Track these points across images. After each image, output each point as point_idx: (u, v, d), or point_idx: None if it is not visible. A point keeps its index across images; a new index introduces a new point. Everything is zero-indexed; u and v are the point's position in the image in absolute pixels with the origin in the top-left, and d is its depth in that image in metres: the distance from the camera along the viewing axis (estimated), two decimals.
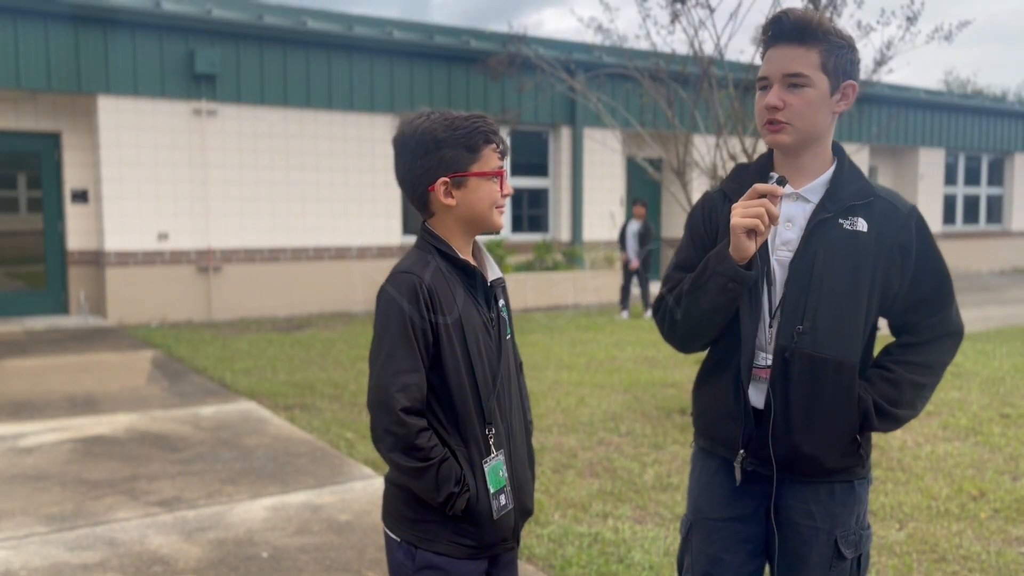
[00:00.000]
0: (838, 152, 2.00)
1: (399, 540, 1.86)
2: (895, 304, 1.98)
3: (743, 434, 1.98)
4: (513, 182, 14.26)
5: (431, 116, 1.84)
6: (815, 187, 1.96)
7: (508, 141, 1.97)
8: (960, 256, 20.21)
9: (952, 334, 2.01)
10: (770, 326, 1.95)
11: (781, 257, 1.96)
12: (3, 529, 3.98)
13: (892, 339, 2.06)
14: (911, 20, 6.70)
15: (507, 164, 1.93)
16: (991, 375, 7.59)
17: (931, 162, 19.76)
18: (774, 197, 1.85)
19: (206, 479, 4.73)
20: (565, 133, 14.44)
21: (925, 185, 19.71)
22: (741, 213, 1.85)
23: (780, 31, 1.90)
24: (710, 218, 2.07)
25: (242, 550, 3.77)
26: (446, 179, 1.82)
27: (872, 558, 3.69)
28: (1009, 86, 53.67)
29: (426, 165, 1.82)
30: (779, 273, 1.96)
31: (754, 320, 1.96)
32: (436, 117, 1.84)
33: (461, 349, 1.80)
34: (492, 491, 1.83)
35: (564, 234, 14.61)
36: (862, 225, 1.92)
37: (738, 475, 2.01)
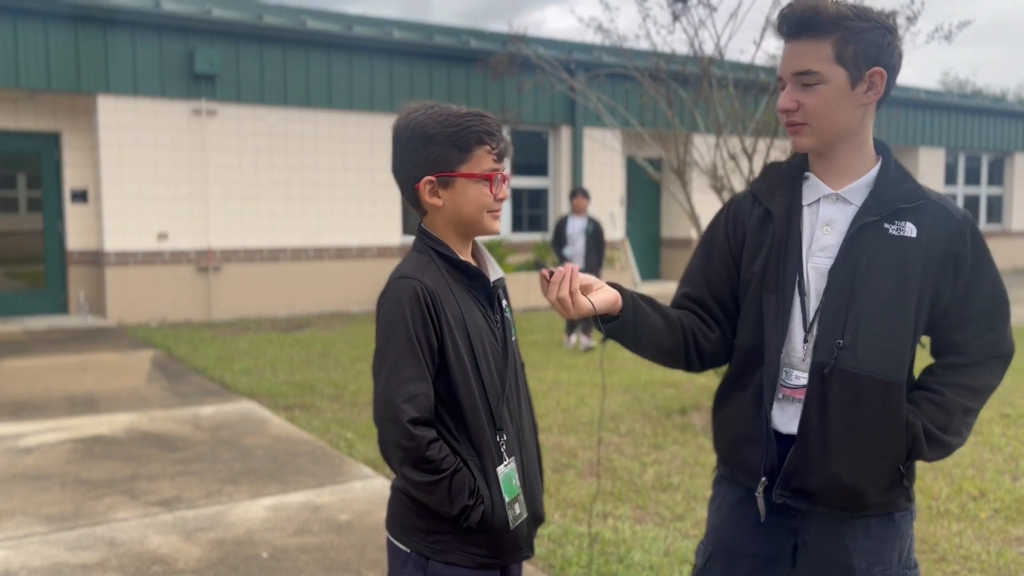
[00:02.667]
0: (882, 150, 1.82)
1: (409, 551, 1.77)
2: (944, 320, 1.78)
3: (765, 460, 1.79)
4: (513, 182, 14.27)
5: (429, 110, 1.75)
6: (857, 188, 1.78)
7: (508, 140, 1.86)
8: None
9: (1003, 356, 1.83)
10: (805, 341, 1.76)
11: (818, 264, 1.78)
12: (3, 529, 3.98)
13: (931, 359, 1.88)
14: (911, 20, 6.70)
15: (508, 165, 1.83)
16: None
17: (931, 162, 19.75)
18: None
19: (206, 479, 4.73)
20: (565, 133, 14.44)
21: (925, 185, 19.68)
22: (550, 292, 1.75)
23: (788, 26, 1.73)
24: (735, 222, 1.91)
25: (242, 550, 3.77)
26: (431, 178, 1.73)
27: None
28: (1009, 86, 53.71)
29: (414, 161, 1.74)
30: (816, 281, 1.77)
31: (781, 333, 1.78)
32: (433, 112, 1.74)
33: (467, 354, 1.72)
34: (507, 500, 1.75)
35: None
36: (911, 230, 1.73)
37: (761, 507, 1.81)
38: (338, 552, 3.76)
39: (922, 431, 1.75)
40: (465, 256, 1.81)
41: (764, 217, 1.86)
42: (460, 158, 1.72)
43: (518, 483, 1.79)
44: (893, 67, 1.73)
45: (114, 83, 10.77)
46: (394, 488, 1.83)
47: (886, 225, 1.74)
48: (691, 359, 1.91)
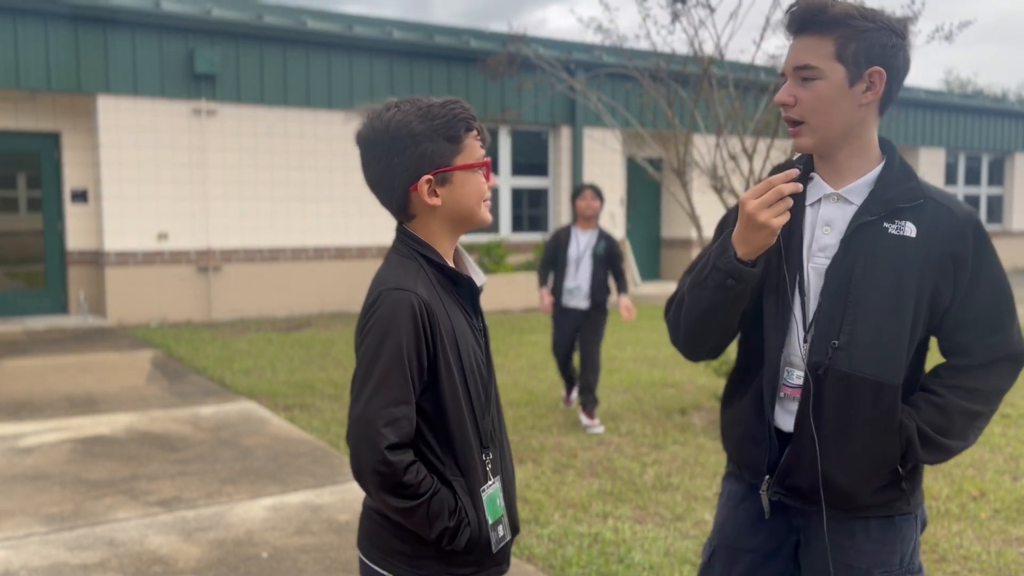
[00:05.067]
0: (887, 150, 1.81)
1: (387, 575, 1.68)
2: (945, 321, 1.76)
3: (768, 459, 1.81)
4: (513, 182, 14.28)
5: (401, 106, 1.63)
6: (858, 187, 1.77)
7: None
8: None
9: (1012, 358, 1.78)
10: (804, 341, 1.77)
11: (818, 264, 1.78)
12: (3, 529, 3.98)
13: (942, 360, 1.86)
14: (911, 20, 6.70)
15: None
16: None
17: (931, 162, 19.75)
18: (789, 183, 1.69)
19: (206, 479, 4.73)
20: (565, 133, 14.44)
21: (931, 184, 19.68)
22: (772, 212, 1.68)
23: (795, 21, 1.74)
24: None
25: (242, 550, 3.77)
26: (430, 176, 1.62)
27: None
28: (1009, 86, 53.72)
29: (405, 163, 1.62)
30: (815, 282, 1.78)
31: (781, 332, 1.79)
32: (407, 107, 1.63)
33: (458, 369, 1.63)
34: (491, 522, 1.68)
35: None
36: (910, 230, 1.72)
37: (765, 504, 1.82)
38: (338, 552, 3.76)
39: (916, 433, 1.72)
40: (450, 259, 1.72)
41: None
42: (454, 150, 1.63)
43: (502, 504, 1.72)
44: (896, 69, 1.73)
45: (114, 83, 10.77)
46: (368, 508, 1.73)
47: (885, 224, 1.73)
48: (718, 346, 1.93)
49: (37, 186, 11.32)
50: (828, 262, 1.76)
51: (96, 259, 11.36)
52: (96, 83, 10.67)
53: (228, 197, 11.61)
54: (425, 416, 1.62)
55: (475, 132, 1.66)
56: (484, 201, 1.70)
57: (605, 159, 14.72)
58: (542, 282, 6.21)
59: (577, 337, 6.04)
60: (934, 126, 19.63)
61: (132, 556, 3.69)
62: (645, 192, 16.37)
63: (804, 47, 1.72)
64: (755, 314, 1.86)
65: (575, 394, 6.31)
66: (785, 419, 1.82)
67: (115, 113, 10.84)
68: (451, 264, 1.71)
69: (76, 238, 11.36)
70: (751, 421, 1.85)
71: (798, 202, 1.82)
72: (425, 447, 1.63)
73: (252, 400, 6.68)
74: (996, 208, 21.79)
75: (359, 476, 1.59)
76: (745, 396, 1.87)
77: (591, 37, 16.54)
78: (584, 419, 5.85)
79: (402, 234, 1.70)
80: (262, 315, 11.89)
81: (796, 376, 1.79)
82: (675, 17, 6.66)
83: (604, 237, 5.97)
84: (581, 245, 5.97)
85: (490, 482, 1.69)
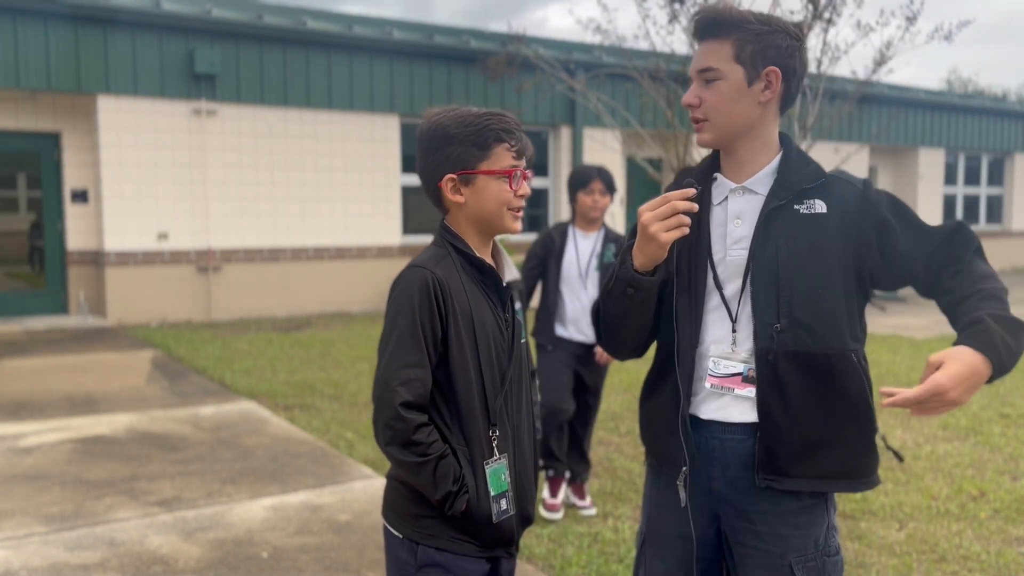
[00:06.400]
0: (784, 142, 1.90)
1: (401, 536, 1.84)
2: (891, 269, 1.81)
3: (684, 451, 1.87)
4: None
5: (450, 112, 1.82)
6: (761, 178, 1.86)
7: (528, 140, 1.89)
8: None
9: (963, 242, 1.79)
10: (734, 331, 1.83)
11: (735, 256, 1.84)
12: (3, 529, 3.98)
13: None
14: (910, 20, 6.70)
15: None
16: None
17: (931, 162, 19.75)
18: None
19: (206, 479, 4.73)
20: (565, 133, 14.44)
21: (925, 185, 19.71)
22: (664, 226, 1.74)
23: (698, 28, 1.86)
24: None
25: (242, 550, 3.77)
26: (452, 176, 1.80)
27: (872, 558, 3.69)
28: (1010, 86, 53.71)
29: (436, 161, 1.82)
30: (734, 274, 1.84)
31: (695, 328, 1.86)
32: (454, 113, 1.82)
33: (470, 346, 1.78)
34: (493, 494, 1.81)
35: None
36: (820, 207, 1.81)
37: (682, 495, 1.88)
38: (338, 552, 3.76)
39: (991, 320, 1.64)
40: (483, 254, 1.87)
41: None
42: (480, 156, 1.79)
43: (508, 479, 1.84)
44: (792, 69, 1.82)
45: (114, 83, 10.77)
46: (389, 477, 1.89)
47: (796, 207, 1.82)
48: (638, 348, 2.00)
49: (37, 186, 11.33)
50: (746, 252, 1.83)
51: (96, 259, 11.36)
52: (96, 83, 10.67)
53: (228, 197, 11.61)
54: (438, 386, 1.79)
55: (507, 144, 1.80)
56: (510, 209, 1.84)
57: (605, 159, 14.71)
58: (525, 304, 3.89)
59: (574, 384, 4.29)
60: (934, 126, 19.63)
61: (132, 556, 3.69)
62: (645, 192, 16.37)
63: (706, 51, 1.83)
64: (668, 313, 1.92)
65: (561, 495, 4.34)
66: (741, 411, 1.84)
67: (115, 113, 10.84)
68: (481, 256, 1.85)
69: (76, 238, 11.36)
70: (669, 415, 1.91)
71: (704, 202, 1.90)
72: (436, 414, 1.80)
73: (252, 400, 6.68)
74: (996, 208, 21.80)
75: (376, 432, 1.77)
76: (663, 392, 1.94)
77: (590, 38, 16.55)
78: (574, 497, 4.39)
79: (440, 226, 1.89)
80: (262, 315, 11.89)
81: (725, 366, 1.84)
82: (673, 17, 6.67)
83: (612, 239, 4.32)
84: (583, 252, 4.29)
85: (495, 457, 1.82)
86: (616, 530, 4.00)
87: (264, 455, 5.20)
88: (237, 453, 5.23)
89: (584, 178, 4.21)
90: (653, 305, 1.89)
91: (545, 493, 4.35)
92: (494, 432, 1.82)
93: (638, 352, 2.01)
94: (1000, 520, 4.14)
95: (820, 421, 1.80)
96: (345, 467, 4.96)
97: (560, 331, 4.31)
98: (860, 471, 1.84)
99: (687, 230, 1.78)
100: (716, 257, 1.87)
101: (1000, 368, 1.62)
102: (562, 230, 4.39)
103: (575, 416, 4.33)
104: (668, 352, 1.92)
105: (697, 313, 1.87)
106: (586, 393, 4.35)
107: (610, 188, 4.24)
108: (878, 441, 1.87)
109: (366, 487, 4.62)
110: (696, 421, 1.89)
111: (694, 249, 1.89)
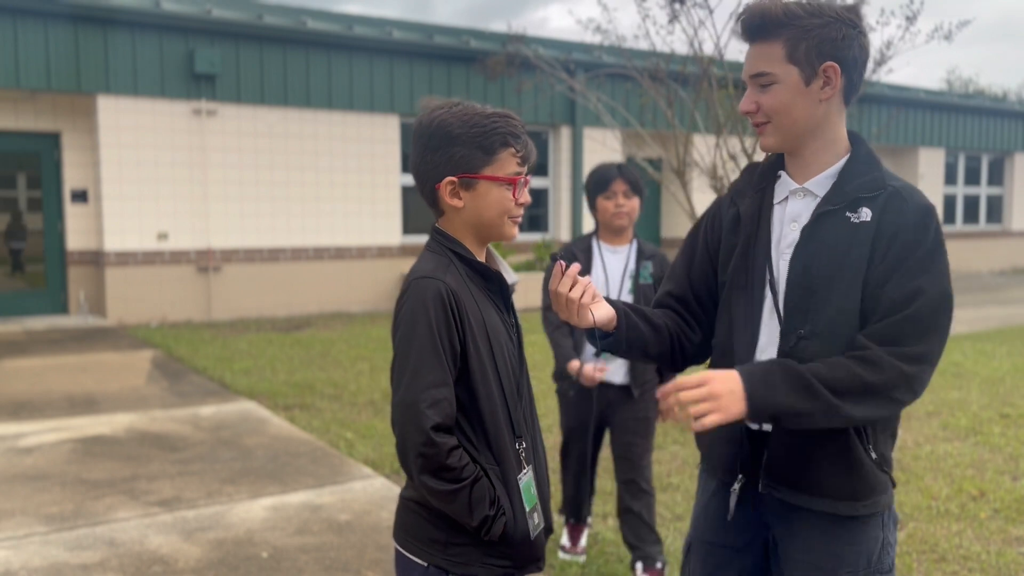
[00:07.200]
0: (855, 142, 1.80)
1: (425, 564, 1.70)
2: (867, 299, 1.69)
3: (739, 458, 1.83)
4: None
5: (453, 108, 1.70)
6: (821, 180, 1.77)
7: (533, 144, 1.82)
8: (960, 256, 20.20)
9: (902, 372, 1.63)
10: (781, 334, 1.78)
11: (786, 259, 1.79)
12: (3, 529, 3.98)
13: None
14: (910, 20, 6.70)
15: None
16: (991, 375, 7.58)
17: (931, 162, 19.76)
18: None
19: (206, 479, 4.73)
20: (565, 133, 14.45)
21: (925, 185, 19.71)
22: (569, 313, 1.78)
23: (745, 31, 1.76)
24: (713, 224, 1.95)
25: (242, 550, 3.77)
26: (453, 179, 1.68)
27: None
28: (1010, 86, 53.73)
29: (435, 161, 1.69)
30: (785, 276, 1.78)
31: (751, 332, 1.80)
32: (457, 110, 1.69)
33: (488, 358, 1.68)
34: (527, 509, 1.71)
35: (564, 234, 14.60)
36: (866, 215, 1.70)
37: (732, 504, 1.84)
38: (338, 552, 3.76)
39: (796, 372, 1.64)
40: (481, 258, 1.77)
41: (736, 218, 1.89)
42: (484, 160, 1.68)
43: (536, 492, 1.75)
44: (852, 59, 1.72)
45: (114, 83, 10.77)
46: (404, 498, 1.76)
47: (848, 214, 1.72)
48: (676, 361, 1.97)
49: (37, 186, 11.33)
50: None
51: (96, 259, 11.36)
52: (96, 83, 10.67)
53: (228, 197, 11.61)
54: (460, 404, 1.67)
55: (513, 149, 1.69)
56: (510, 217, 1.73)
57: (605, 159, 14.69)
58: (556, 336, 3.59)
59: (606, 430, 3.69)
60: (934, 126, 19.63)
61: (132, 556, 3.69)
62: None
63: (757, 54, 1.75)
64: (726, 315, 1.88)
65: (583, 539, 3.79)
66: None
67: (115, 113, 10.84)
68: (483, 261, 1.76)
69: (76, 238, 11.36)
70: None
71: (766, 201, 1.84)
72: (461, 436, 1.67)
73: (252, 400, 6.68)
74: (996, 208, 21.79)
75: (403, 459, 1.63)
76: None
77: (590, 38, 16.55)
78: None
79: (434, 232, 1.77)
80: (262, 315, 11.88)
81: None
82: (673, 17, 6.67)
83: (649, 254, 3.62)
84: (613, 272, 3.57)
85: (524, 470, 1.73)
86: (616, 530, 3.99)
87: (264, 455, 5.20)
88: (237, 453, 5.23)
89: (603, 179, 3.50)
90: (645, 340, 1.87)
91: (564, 539, 3.76)
92: (520, 444, 1.72)
93: (689, 361, 1.97)
94: (1000, 520, 4.14)
95: (821, 436, 1.72)
96: (345, 467, 4.96)
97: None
98: (864, 493, 1.76)
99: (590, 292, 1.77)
100: (772, 258, 1.80)
101: (752, 397, 1.62)
102: (585, 246, 3.60)
103: (623, 482, 3.55)
104: (725, 356, 1.86)
105: (754, 315, 1.81)
106: (629, 444, 3.52)
107: (636, 188, 3.51)
108: (875, 464, 1.78)
109: (366, 487, 4.62)
110: (747, 430, 1.83)
111: (751, 249, 1.82)
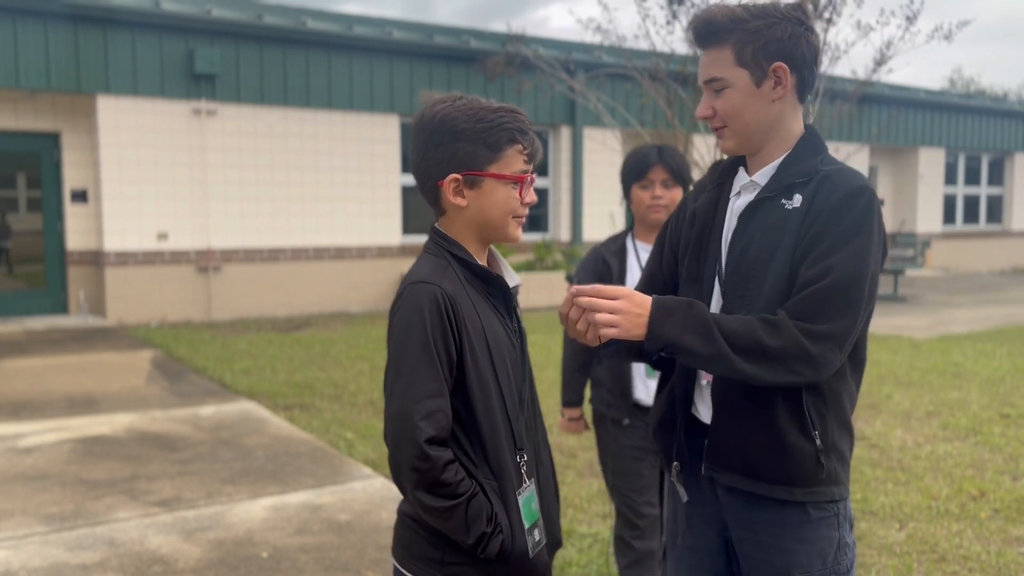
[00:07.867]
0: (806, 134, 1.81)
1: None
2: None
3: (675, 444, 1.85)
4: None
5: (457, 102, 1.61)
6: (767, 171, 1.79)
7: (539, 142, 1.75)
8: (960, 256, 20.22)
9: (802, 345, 1.61)
10: None
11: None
12: (3, 529, 3.98)
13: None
14: (910, 20, 6.71)
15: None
16: (991, 375, 7.58)
17: (931, 162, 19.76)
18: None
19: (206, 479, 4.73)
20: (565, 133, 14.45)
21: (925, 185, 19.72)
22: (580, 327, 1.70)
23: (695, 38, 1.78)
24: (677, 219, 1.98)
25: (242, 550, 3.77)
26: (457, 176, 1.60)
27: (872, 558, 3.69)
28: (1010, 86, 53.75)
29: (439, 157, 1.61)
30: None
31: None
32: (461, 104, 1.61)
33: (487, 367, 1.60)
34: (527, 526, 1.62)
35: (564, 234, 14.61)
36: (797, 201, 1.72)
37: (681, 491, 1.83)
38: (338, 552, 3.76)
39: (693, 308, 1.66)
40: (482, 261, 1.70)
41: (693, 213, 1.92)
42: (490, 157, 1.60)
43: (537, 507, 1.68)
44: (801, 57, 1.73)
45: (114, 83, 10.77)
46: (402, 513, 1.69)
47: (782, 201, 1.74)
48: (660, 359, 1.94)
49: (37, 186, 11.33)
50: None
51: (96, 259, 11.36)
52: (96, 83, 10.67)
53: (228, 197, 11.62)
54: (456, 415, 1.58)
55: (520, 146, 1.63)
56: (515, 217, 1.67)
57: (605, 159, 14.72)
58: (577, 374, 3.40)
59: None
60: (934, 126, 19.63)
61: (132, 556, 3.69)
62: None
63: (708, 60, 1.77)
64: None
65: None
66: (707, 410, 1.83)
67: (115, 113, 10.84)
68: (482, 264, 1.68)
69: (76, 238, 11.36)
70: (664, 409, 1.90)
71: (723, 196, 1.88)
72: (457, 449, 1.59)
73: (252, 400, 6.68)
74: (996, 208, 21.80)
75: (397, 474, 1.55)
76: (667, 386, 1.93)
77: (590, 37, 16.56)
78: None
79: (433, 232, 1.69)
80: (262, 315, 11.89)
81: None
82: (673, 16, 6.67)
83: None
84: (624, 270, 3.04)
85: (525, 485, 1.65)
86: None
87: (264, 455, 5.20)
88: (237, 453, 5.23)
89: (640, 166, 2.96)
90: (634, 351, 1.87)
91: None
92: (521, 457, 1.64)
93: (670, 358, 1.97)
94: (1000, 520, 4.14)
95: (760, 419, 1.72)
96: (345, 467, 4.96)
97: (641, 394, 2.99)
98: (802, 479, 1.72)
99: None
100: (723, 250, 1.82)
101: (652, 323, 1.64)
102: (618, 247, 3.06)
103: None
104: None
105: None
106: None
107: (678, 177, 3.04)
108: (820, 451, 1.73)
109: (366, 487, 4.62)
110: (697, 424, 1.85)
111: (705, 241, 1.86)
